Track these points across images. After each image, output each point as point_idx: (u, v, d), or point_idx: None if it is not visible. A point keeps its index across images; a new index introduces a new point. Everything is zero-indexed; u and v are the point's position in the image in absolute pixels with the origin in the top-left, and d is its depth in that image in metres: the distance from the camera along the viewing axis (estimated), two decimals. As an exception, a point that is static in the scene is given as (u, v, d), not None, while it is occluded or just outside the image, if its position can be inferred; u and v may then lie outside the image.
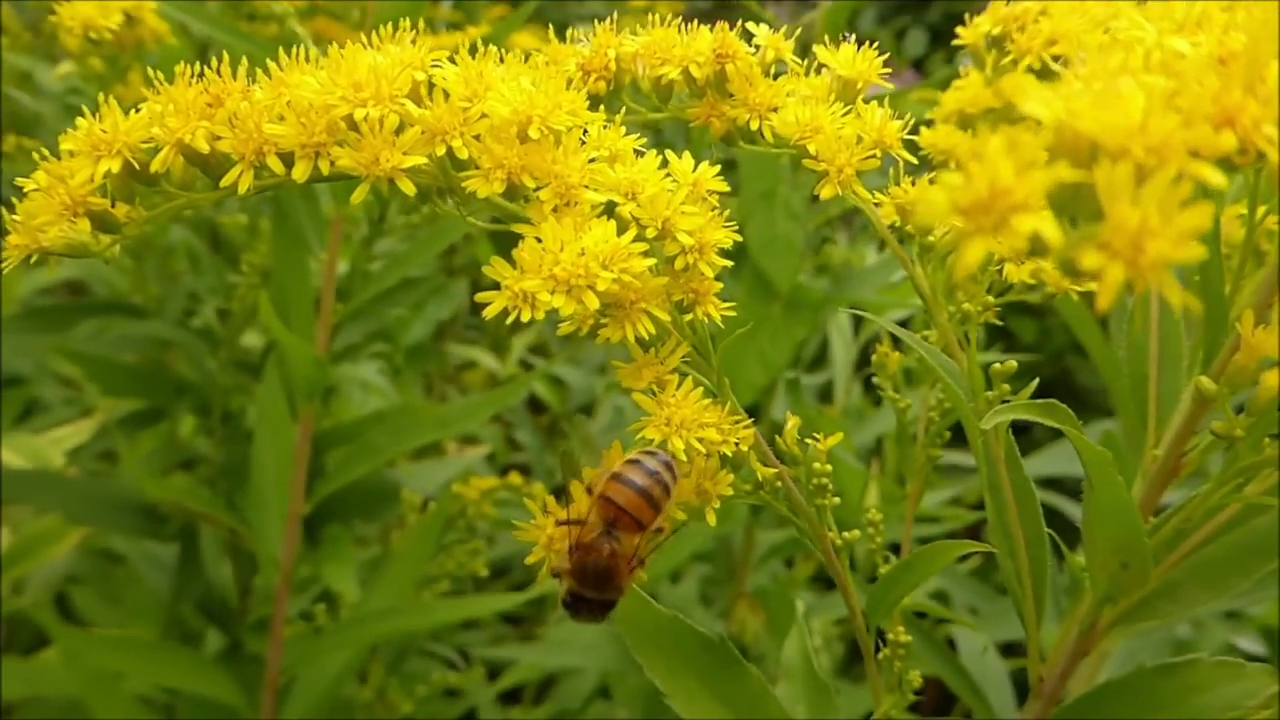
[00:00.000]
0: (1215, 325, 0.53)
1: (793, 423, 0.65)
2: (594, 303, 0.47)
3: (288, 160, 0.47)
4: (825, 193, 0.56)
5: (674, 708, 0.69)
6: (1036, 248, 0.32)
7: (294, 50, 0.50)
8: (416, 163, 0.47)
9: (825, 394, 2.06)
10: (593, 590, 0.55)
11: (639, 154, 0.52)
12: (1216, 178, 0.32)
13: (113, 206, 0.49)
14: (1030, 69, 0.62)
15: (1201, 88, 0.36)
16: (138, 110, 0.49)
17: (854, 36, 0.63)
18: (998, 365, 0.63)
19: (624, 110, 0.59)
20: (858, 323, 1.99)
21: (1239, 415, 0.51)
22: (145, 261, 1.47)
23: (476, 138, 0.49)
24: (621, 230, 0.48)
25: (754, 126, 0.60)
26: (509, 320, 0.47)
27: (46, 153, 0.50)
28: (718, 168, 0.53)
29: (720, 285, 0.53)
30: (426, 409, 1.67)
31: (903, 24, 3.67)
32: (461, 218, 0.51)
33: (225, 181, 0.48)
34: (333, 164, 0.48)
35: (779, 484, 0.60)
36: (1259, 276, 0.57)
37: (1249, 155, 0.35)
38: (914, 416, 1.00)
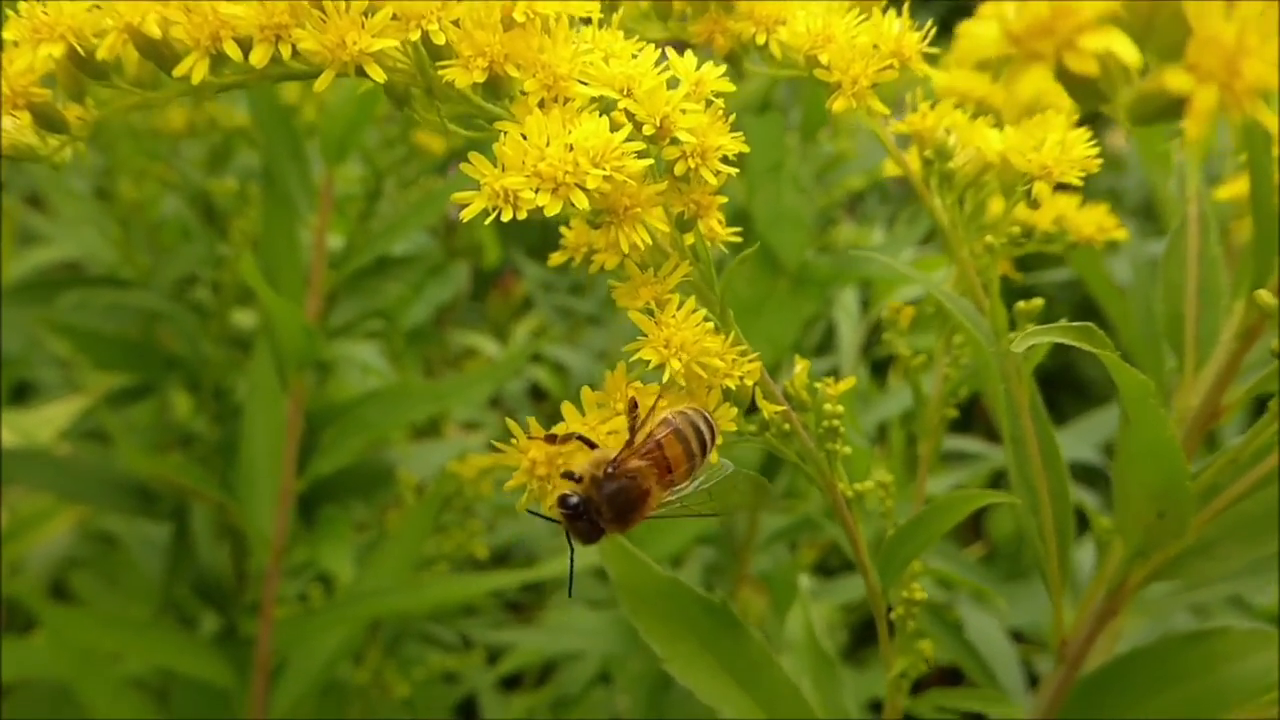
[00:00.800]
0: (1266, 247, 0.49)
1: (801, 366, 0.61)
2: (583, 202, 0.42)
3: (246, 47, 0.43)
4: (838, 105, 0.52)
5: (672, 673, 0.65)
6: (1103, 82, 0.28)
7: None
8: (386, 45, 0.43)
9: (832, 379, 2.01)
10: (608, 515, 0.51)
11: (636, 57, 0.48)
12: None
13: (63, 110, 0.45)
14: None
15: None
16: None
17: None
18: (1022, 304, 0.59)
19: (620, 20, 0.55)
20: (865, 308, 1.95)
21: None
22: (134, 231, 1.44)
23: (455, 23, 0.44)
24: (615, 132, 0.44)
25: (760, 41, 0.55)
26: (488, 221, 0.43)
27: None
28: (723, 68, 0.49)
29: (725, 199, 0.49)
30: (422, 384, 1.63)
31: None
32: (440, 123, 0.46)
33: (179, 71, 0.43)
34: (295, 51, 0.43)
35: (786, 426, 0.56)
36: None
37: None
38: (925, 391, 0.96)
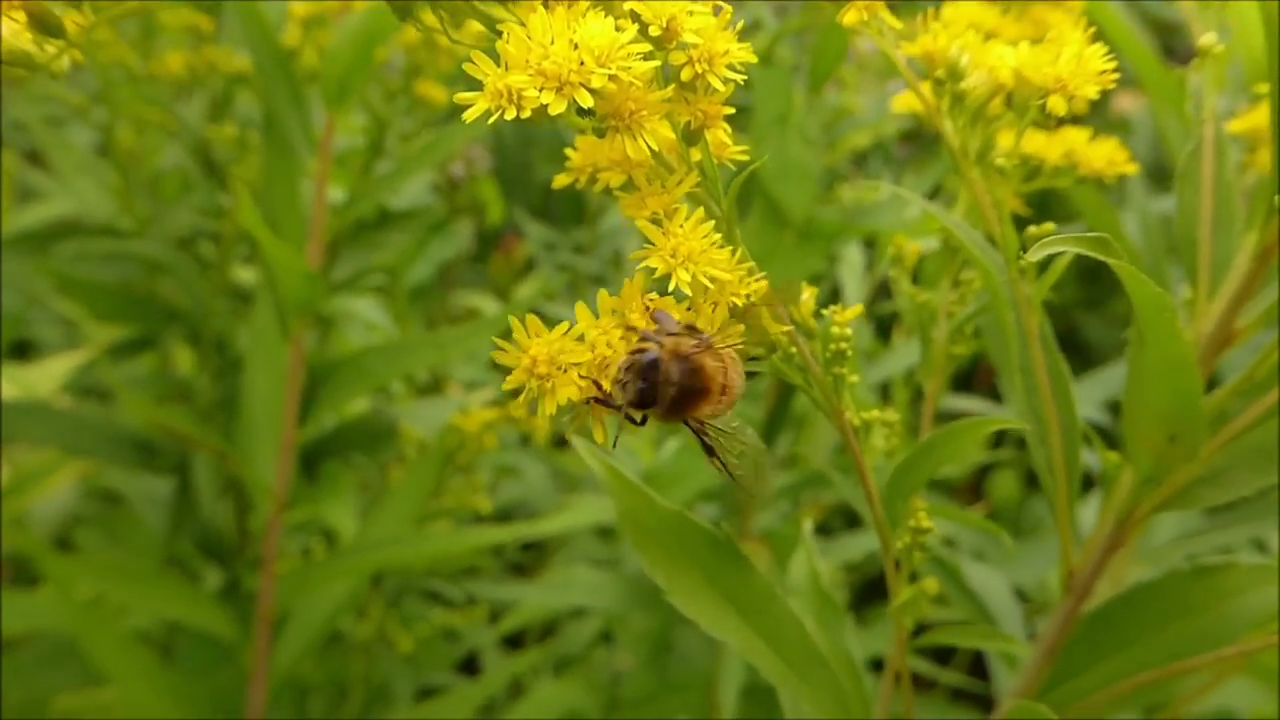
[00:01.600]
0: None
1: (809, 293, 0.60)
2: (587, 100, 0.41)
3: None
4: (849, 18, 0.51)
5: (675, 604, 0.64)
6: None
7: None
8: (387, -62, 0.42)
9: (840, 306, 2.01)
10: (671, 393, 0.49)
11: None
12: None
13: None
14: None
15: None
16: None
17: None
18: (1034, 229, 0.58)
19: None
20: (869, 267, 1.94)
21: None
22: (134, 180, 1.42)
23: (457, -82, 0.43)
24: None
25: (770, -44, 0.54)
26: (491, 120, 0.42)
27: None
28: (729, -31, 0.48)
29: (731, 110, 0.48)
30: (423, 335, 1.63)
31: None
32: (444, 31, 0.45)
33: (173, -37, 0.42)
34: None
35: (793, 348, 0.55)
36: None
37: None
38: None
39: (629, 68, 0.42)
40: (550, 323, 0.48)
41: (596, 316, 0.51)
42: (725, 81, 0.46)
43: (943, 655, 1.83)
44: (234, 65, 1.29)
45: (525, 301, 2.42)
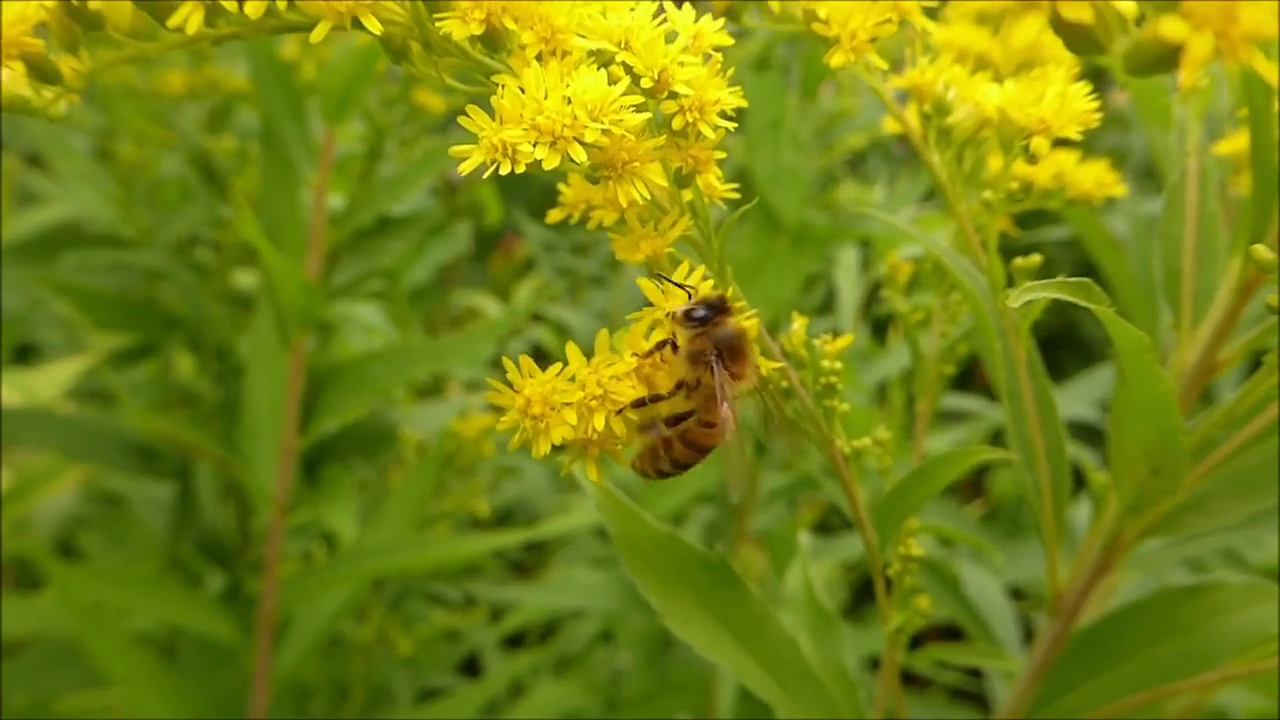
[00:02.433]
0: (1264, 201, 0.49)
1: (799, 323, 0.61)
2: (581, 155, 0.42)
3: (241, -2, 0.43)
4: (836, 60, 0.52)
5: (670, 628, 0.65)
6: (1099, 29, 0.27)
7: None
8: (382, -6, 0.43)
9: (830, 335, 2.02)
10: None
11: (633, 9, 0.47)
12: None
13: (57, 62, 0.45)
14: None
15: None
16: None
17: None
18: (1020, 260, 0.59)
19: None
20: (865, 268, 1.95)
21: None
22: (134, 191, 1.43)
23: (452, -26, 0.44)
24: (613, 86, 0.44)
25: (760, -5, 0.55)
26: (486, 175, 0.43)
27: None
28: (721, 21, 0.48)
29: (723, 155, 0.49)
30: (424, 343, 1.64)
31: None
32: (438, 76, 0.46)
33: (173, 21, 0.43)
34: (291, 3, 0.43)
35: (784, 383, 0.56)
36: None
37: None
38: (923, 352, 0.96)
39: (621, 120, 0.43)
40: (549, 323, 0.50)
41: (596, 317, 0.52)
42: (715, 129, 0.47)
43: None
44: (234, 82, 1.29)
45: (524, 301, 2.43)
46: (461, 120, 0.43)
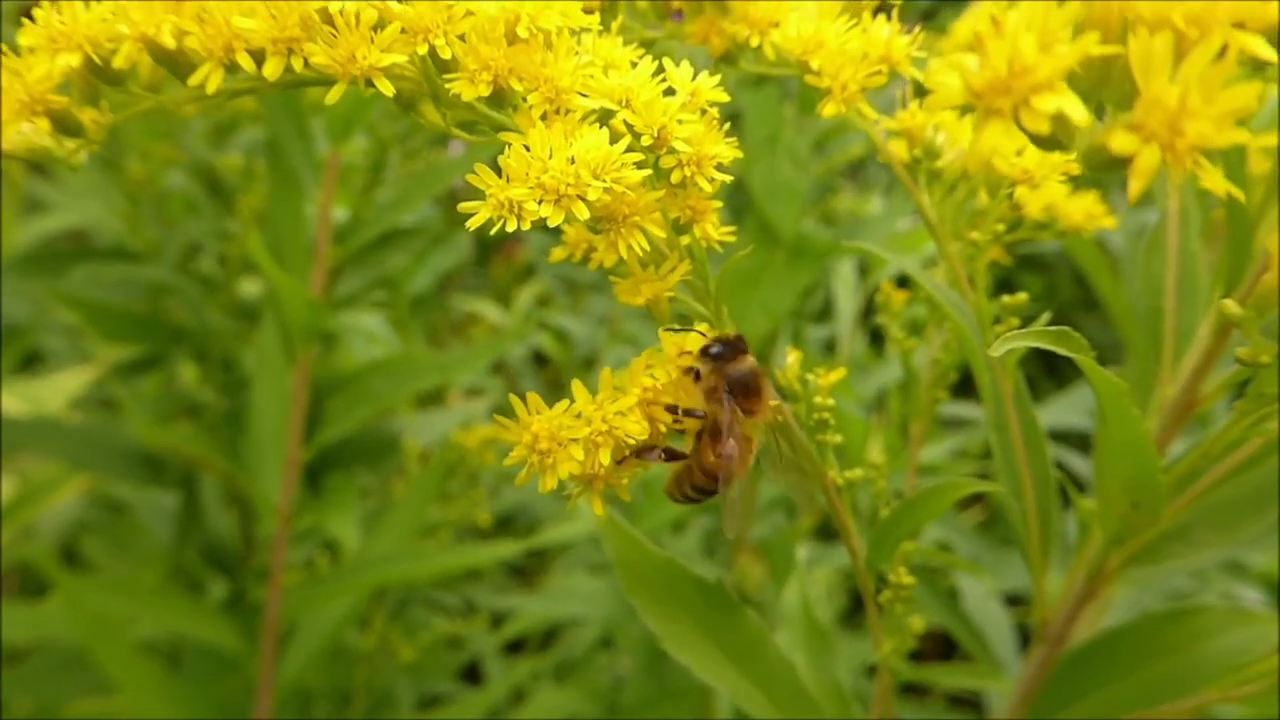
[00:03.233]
0: (1239, 249, 0.50)
1: (794, 357, 0.63)
2: (584, 213, 0.44)
3: (259, 58, 0.45)
4: (828, 111, 0.53)
5: (669, 651, 0.67)
6: (1059, 132, 0.29)
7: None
8: (395, 60, 0.45)
9: (829, 347, 2.03)
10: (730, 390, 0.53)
11: (634, 66, 0.49)
12: (1266, 51, 0.29)
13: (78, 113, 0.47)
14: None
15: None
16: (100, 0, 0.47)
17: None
18: (1008, 298, 0.61)
19: (619, 27, 0.56)
20: (863, 275, 1.96)
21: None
22: (141, 205, 1.45)
23: (461, 37, 0.46)
24: (614, 143, 0.46)
25: (754, 43, 0.57)
26: (493, 231, 0.45)
27: (5, 48, 0.47)
28: (718, 77, 0.50)
29: (720, 204, 0.51)
30: (426, 355, 1.65)
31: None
32: (446, 128, 0.48)
33: (193, 80, 0.45)
34: (307, 62, 0.45)
35: (779, 417, 0.58)
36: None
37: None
38: (918, 366, 0.97)
39: (622, 178, 0.45)
40: (549, 329, 0.51)
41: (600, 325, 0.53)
42: (712, 180, 0.49)
43: (943, 655, 1.86)
44: (239, 100, 1.31)
45: (525, 308, 2.45)
46: (470, 178, 0.45)
